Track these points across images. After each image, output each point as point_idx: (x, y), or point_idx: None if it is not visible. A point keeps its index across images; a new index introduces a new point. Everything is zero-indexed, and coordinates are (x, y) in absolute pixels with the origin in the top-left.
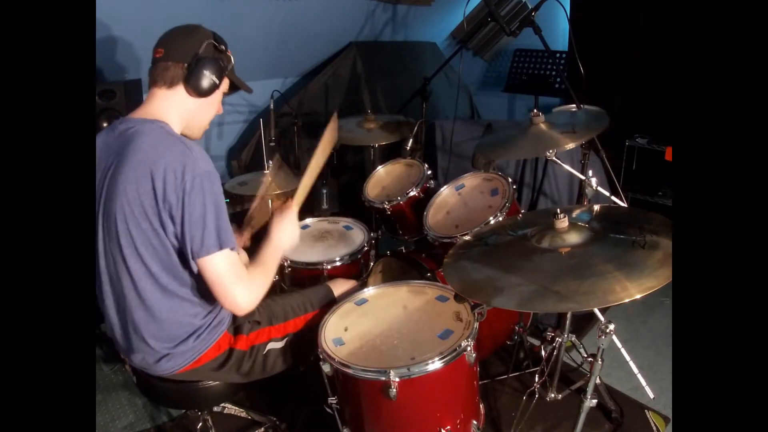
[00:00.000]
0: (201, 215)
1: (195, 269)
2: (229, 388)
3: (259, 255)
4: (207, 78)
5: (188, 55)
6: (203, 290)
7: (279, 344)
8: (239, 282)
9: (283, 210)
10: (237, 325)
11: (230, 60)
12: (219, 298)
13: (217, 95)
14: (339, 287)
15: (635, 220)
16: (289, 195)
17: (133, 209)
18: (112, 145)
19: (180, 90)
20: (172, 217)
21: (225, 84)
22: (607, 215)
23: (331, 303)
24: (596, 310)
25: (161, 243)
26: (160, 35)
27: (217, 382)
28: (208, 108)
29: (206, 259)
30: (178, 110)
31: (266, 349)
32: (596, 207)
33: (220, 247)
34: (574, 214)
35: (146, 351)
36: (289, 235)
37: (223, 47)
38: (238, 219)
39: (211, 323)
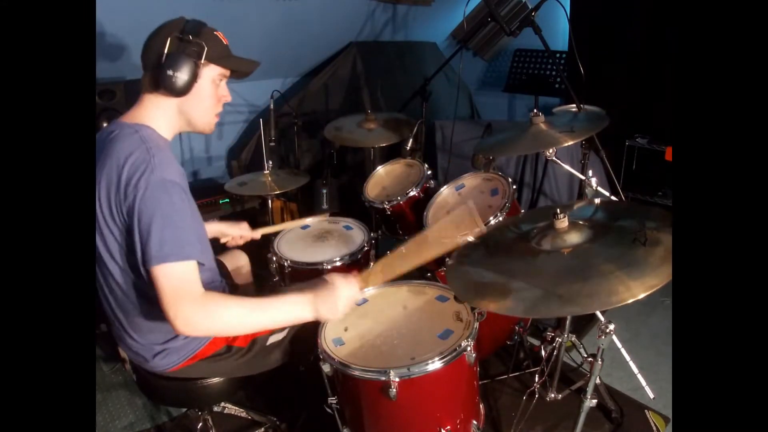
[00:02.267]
0: (147, 225)
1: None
2: (230, 387)
3: (273, 296)
4: (174, 76)
5: (154, 58)
6: None
7: (281, 335)
8: (189, 303)
9: (348, 278)
10: None
11: (203, 47)
12: (164, 314)
13: (203, 87)
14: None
15: (635, 215)
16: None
17: (104, 213)
18: (97, 149)
19: (159, 93)
20: (127, 223)
21: (212, 71)
22: (607, 211)
23: None
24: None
25: (122, 246)
26: None
27: (217, 380)
28: (198, 102)
29: (152, 271)
30: (164, 112)
31: (268, 342)
32: (596, 200)
33: (161, 261)
34: (574, 208)
35: (139, 347)
36: (332, 310)
37: (190, 36)
38: (239, 219)
39: None
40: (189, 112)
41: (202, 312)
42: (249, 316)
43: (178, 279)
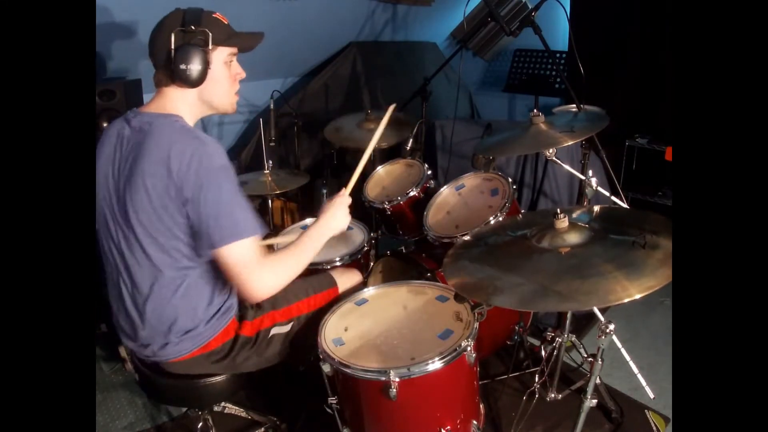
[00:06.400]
0: (216, 210)
1: (209, 258)
2: (230, 387)
3: (298, 239)
4: (188, 69)
5: (163, 54)
6: (217, 279)
7: (284, 329)
8: (258, 269)
9: (336, 196)
10: (241, 312)
11: (207, 33)
12: (237, 285)
13: (217, 71)
14: (341, 275)
15: (635, 221)
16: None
17: (152, 202)
18: (131, 139)
19: (177, 86)
20: (188, 211)
21: (221, 53)
22: (607, 215)
23: (333, 288)
24: (596, 310)
25: (179, 234)
26: None
27: (218, 379)
28: (216, 87)
29: (223, 250)
30: (186, 103)
31: (270, 334)
32: (596, 207)
33: (239, 237)
34: (574, 215)
35: (156, 337)
36: (338, 221)
37: (193, 26)
38: None
39: (220, 309)
40: (209, 98)
41: (269, 272)
42: (298, 259)
43: (248, 251)
